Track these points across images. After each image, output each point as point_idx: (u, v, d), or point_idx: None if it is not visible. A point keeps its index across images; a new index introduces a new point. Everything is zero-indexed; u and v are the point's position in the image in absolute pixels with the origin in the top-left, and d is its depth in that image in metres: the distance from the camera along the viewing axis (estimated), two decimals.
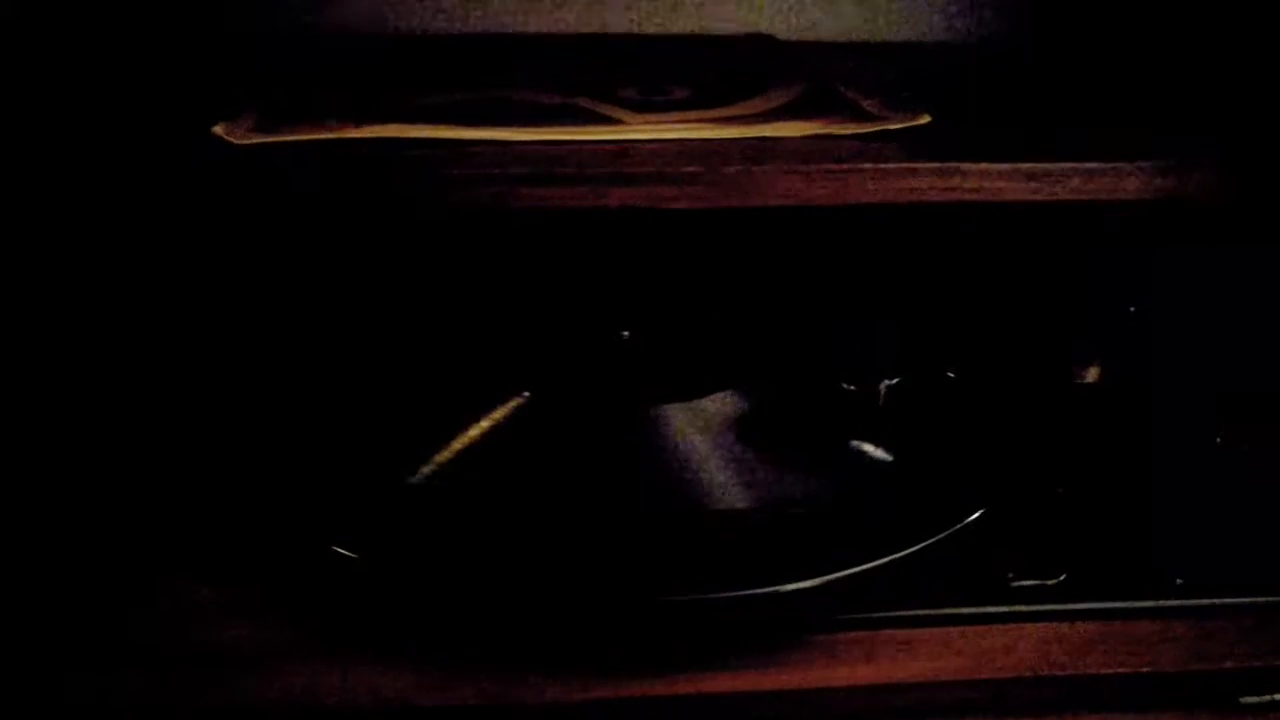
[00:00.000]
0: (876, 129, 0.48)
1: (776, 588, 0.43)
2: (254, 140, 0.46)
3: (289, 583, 0.47)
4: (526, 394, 0.52)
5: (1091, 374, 0.53)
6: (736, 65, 0.60)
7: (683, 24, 0.67)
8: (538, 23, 0.66)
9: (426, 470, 0.49)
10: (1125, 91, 0.56)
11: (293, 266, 0.52)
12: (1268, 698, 0.46)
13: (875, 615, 0.46)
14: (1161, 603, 0.47)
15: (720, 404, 0.51)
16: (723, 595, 0.43)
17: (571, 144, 0.46)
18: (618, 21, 0.67)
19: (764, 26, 0.67)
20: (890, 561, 0.44)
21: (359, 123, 0.48)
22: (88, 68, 0.56)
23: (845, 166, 0.45)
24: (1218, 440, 0.53)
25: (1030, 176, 0.45)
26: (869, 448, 0.51)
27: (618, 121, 0.49)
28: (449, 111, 0.50)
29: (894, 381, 0.51)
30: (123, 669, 0.44)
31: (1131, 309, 0.53)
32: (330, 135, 0.47)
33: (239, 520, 0.49)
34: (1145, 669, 0.45)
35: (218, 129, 0.47)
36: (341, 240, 0.51)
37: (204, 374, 0.51)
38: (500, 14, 0.66)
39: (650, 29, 0.67)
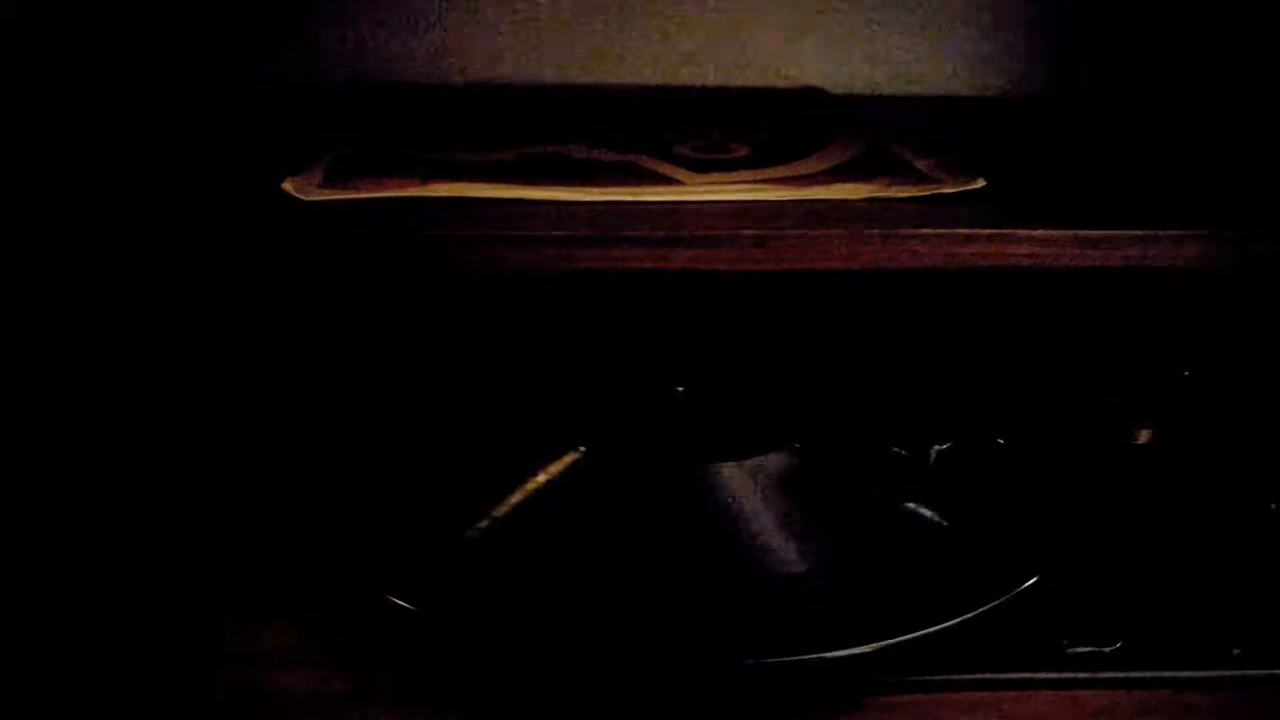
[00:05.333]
0: (932, 192, 0.49)
1: (832, 653, 0.43)
2: (322, 197, 0.47)
3: (348, 632, 0.48)
4: (582, 449, 0.52)
5: (1145, 438, 0.53)
6: (791, 122, 0.60)
7: (733, 77, 0.68)
8: (588, 74, 0.68)
9: (483, 524, 0.50)
10: (1182, 151, 0.56)
11: (355, 321, 0.53)
12: None
13: (930, 679, 0.46)
14: (1219, 672, 0.47)
15: (773, 463, 0.51)
16: (778, 660, 0.43)
17: (633, 204, 0.47)
18: (665, 74, 0.68)
19: (813, 79, 0.68)
20: (946, 628, 0.44)
21: (425, 180, 0.49)
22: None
23: (901, 231, 0.45)
24: (1272, 506, 0.52)
25: (1086, 243, 0.45)
26: (924, 511, 0.51)
27: (677, 182, 0.50)
28: (510, 169, 0.51)
29: (945, 446, 0.51)
30: (182, 715, 0.45)
31: (1186, 373, 0.53)
32: (397, 193, 0.48)
33: (300, 569, 0.49)
34: None
35: (287, 185, 0.48)
36: (403, 296, 0.52)
37: (267, 426, 0.53)
38: (546, 65, 0.67)
39: (698, 81, 0.68)
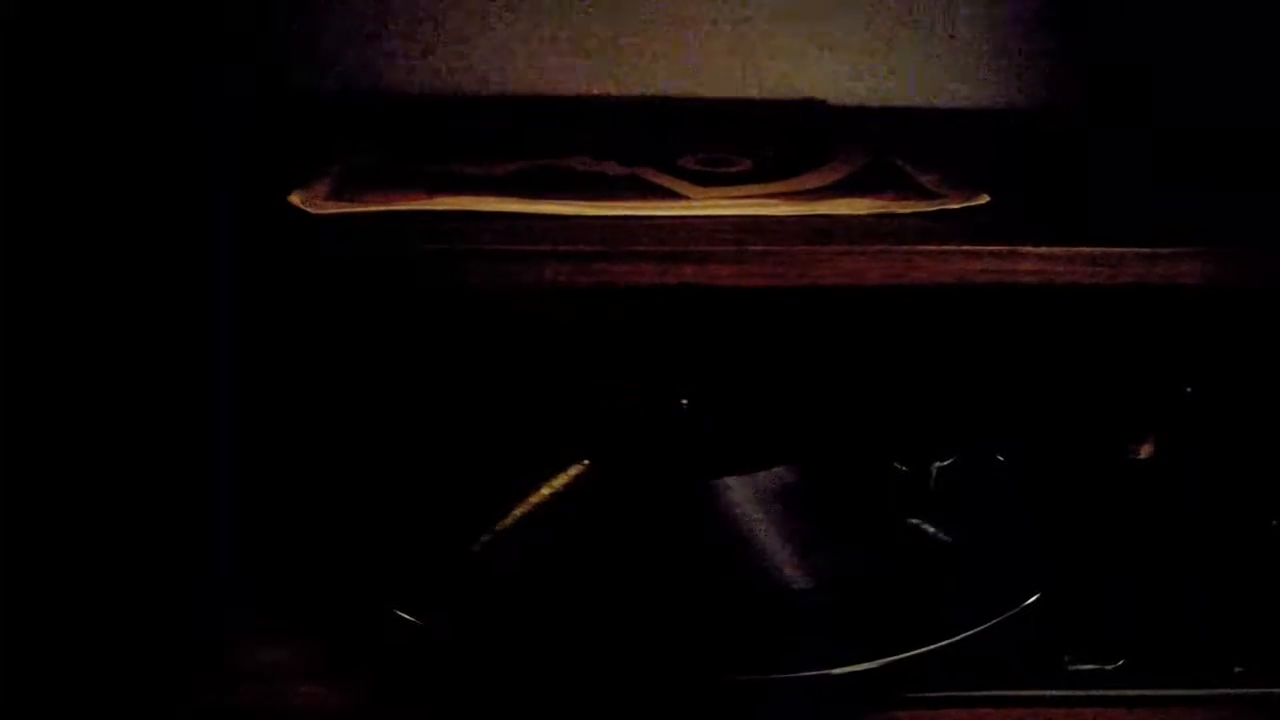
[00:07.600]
0: (936, 208, 0.49)
1: (834, 670, 0.43)
2: (330, 210, 0.48)
3: (353, 645, 0.48)
4: (586, 462, 0.52)
5: (1146, 454, 0.53)
6: (794, 135, 0.60)
7: (735, 89, 0.68)
8: (591, 86, 0.68)
9: (487, 537, 0.50)
10: (1186, 169, 0.56)
11: (362, 334, 0.53)
12: None
13: (932, 695, 0.46)
14: (1220, 690, 0.47)
15: (776, 478, 0.52)
16: (780, 676, 0.43)
17: (639, 219, 0.47)
18: (667, 86, 0.68)
19: (815, 92, 0.68)
20: (948, 644, 0.45)
21: (431, 193, 0.49)
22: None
23: (905, 248, 0.45)
24: (1274, 523, 0.53)
25: (1090, 261, 0.45)
26: (925, 527, 0.51)
27: (681, 196, 0.50)
28: (515, 181, 0.51)
29: (947, 462, 0.51)
30: None
31: (1188, 389, 0.54)
32: (404, 207, 0.48)
33: (305, 582, 0.49)
34: None
35: (294, 197, 0.48)
36: (409, 311, 0.53)
37: (272, 438, 0.53)
38: (550, 77, 0.67)
39: (700, 93, 0.68)
